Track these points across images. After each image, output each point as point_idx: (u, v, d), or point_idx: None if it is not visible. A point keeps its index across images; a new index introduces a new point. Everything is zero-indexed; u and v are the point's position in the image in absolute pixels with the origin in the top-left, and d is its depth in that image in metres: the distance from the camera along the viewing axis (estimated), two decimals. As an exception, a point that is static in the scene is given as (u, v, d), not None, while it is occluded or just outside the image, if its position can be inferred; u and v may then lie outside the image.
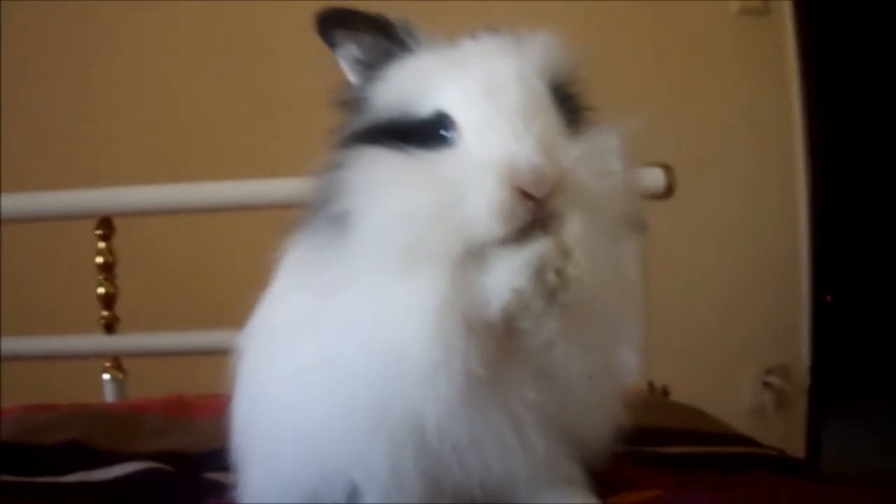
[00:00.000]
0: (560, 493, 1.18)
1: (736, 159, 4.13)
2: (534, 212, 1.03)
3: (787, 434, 4.14)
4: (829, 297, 4.58)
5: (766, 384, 4.15)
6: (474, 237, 1.03)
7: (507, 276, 1.03)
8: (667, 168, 2.36)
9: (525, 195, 1.03)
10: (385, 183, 1.06)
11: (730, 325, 4.10)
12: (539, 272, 1.03)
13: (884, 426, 4.96)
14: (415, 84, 1.13)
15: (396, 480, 1.08)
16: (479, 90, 1.09)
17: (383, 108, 1.14)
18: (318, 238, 1.11)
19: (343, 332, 1.07)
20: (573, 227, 1.05)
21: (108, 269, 2.64)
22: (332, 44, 1.21)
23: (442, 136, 1.09)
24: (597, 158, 1.09)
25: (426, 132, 1.10)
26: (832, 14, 4.59)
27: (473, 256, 1.04)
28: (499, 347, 1.06)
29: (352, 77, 1.21)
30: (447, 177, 1.05)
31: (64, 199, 2.55)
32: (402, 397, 1.04)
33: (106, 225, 2.63)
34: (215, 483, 1.46)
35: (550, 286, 1.04)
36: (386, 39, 1.18)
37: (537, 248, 1.04)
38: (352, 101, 1.19)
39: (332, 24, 1.20)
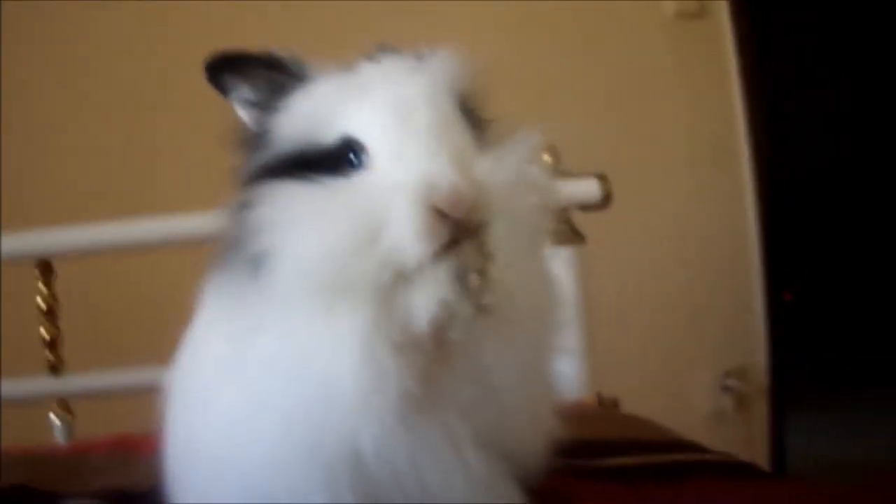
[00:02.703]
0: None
1: (678, 163, 4.14)
2: (454, 229, 1.02)
3: (749, 436, 4.15)
4: (788, 295, 4.61)
5: (725, 388, 4.17)
6: (399, 262, 1.02)
7: (432, 290, 1.02)
8: (601, 177, 2.35)
9: (443, 214, 1.01)
10: (299, 217, 1.04)
11: (683, 331, 4.10)
12: (461, 278, 1.02)
13: (847, 419, 4.99)
14: (317, 111, 1.10)
15: None
16: (386, 111, 1.07)
17: (286, 139, 1.11)
18: (233, 280, 1.09)
19: (268, 373, 1.05)
20: (494, 231, 1.04)
21: (49, 312, 2.59)
22: (223, 90, 1.20)
23: (350, 162, 1.07)
24: (509, 169, 1.08)
25: (333, 160, 1.08)
26: (770, 14, 4.63)
27: (396, 278, 1.02)
28: (430, 361, 1.04)
29: (248, 119, 1.19)
30: (362, 203, 1.03)
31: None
32: (336, 425, 1.02)
33: (45, 268, 2.59)
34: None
35: (473, 289, 1.02)
36: (278, 76, 1.16)
37: (457, 255, 1.02)
38: (252, 137, 1.17)
39: (222, 70, 1.18)
